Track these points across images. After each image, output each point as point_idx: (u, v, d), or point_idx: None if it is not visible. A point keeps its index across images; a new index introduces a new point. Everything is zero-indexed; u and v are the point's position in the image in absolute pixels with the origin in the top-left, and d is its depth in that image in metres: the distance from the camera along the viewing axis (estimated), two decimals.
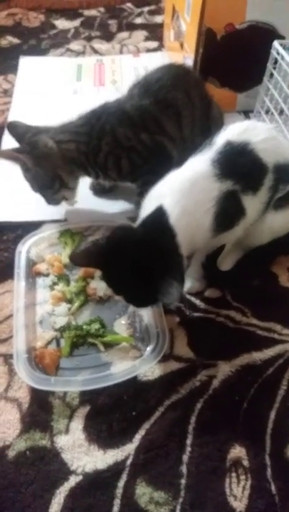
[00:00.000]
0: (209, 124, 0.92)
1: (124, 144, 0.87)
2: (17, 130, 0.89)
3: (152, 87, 0.88)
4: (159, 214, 0.70)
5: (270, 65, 1.05)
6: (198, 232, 0.72)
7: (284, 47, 1.01)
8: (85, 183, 0.98)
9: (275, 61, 1.03)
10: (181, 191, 0.71)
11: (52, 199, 0.92)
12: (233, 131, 0.76)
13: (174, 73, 0.90)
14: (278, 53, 1.01)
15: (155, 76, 0.90)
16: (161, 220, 0.69)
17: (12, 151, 0.86)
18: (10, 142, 0.91)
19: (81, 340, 0.77)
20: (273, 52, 1.03)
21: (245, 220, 0.76)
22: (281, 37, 1.09)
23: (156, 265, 0.66)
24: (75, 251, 0.72)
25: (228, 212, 0.72)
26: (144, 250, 0.68)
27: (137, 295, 0.71)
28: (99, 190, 1.02)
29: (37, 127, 0.89)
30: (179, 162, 0.76)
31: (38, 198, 0.93)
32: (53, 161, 0.86)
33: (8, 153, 0.88)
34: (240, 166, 0.73)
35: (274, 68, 1.05)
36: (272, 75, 1.06)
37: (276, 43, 1.02)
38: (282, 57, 1.00)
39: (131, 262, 0.68)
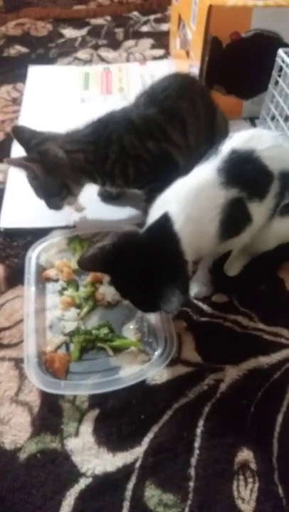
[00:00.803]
0: (214, 132, 0.93)
1: (130, 152, 0.88)
2: (22, 135, 0.89)
3: (158, 96, 0.89)
4: (164, 220, 0.71)
5: (275, 73, 1.07)
6: (203, 239, 0.73)
7: (288, 55, 1.03)
8: (93, 190, 1.00)
9: (280, 69, 1.04)
10: (187, 199, 0.72)
11: (56, 205, 0.93)
12: (239, 139, 0.77)
13: (179, 83, 0.91)
14: (283, 61, 1.03)
15: (161, 85, 0.91)
16: (165, 226, 0.71)
17: (22, 160, 0.87)
18: (20, 150, 0.92)
19: (90, 345, 0.78)
20: (278, 60, 1.04)
21: (251, 226, 0.77)
22: (286, 45, 1.10)
23: (160, 271, 0.68)
24: (82, 256, 0.74)
25: (234, 219, 0.73)
26: (148, 255, 0.69)
27: (142, 300, 0.73)
28: (106, 197, 1.04)
29: (43, 133, 0.90)
30: (185, 169, 0.77)
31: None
32: (62, 170, 0.87)
33: (18, 161, 0.89)
34: (246, 174, 0.74)
35: (279, 76, 1.06)
36: (277, 82, 1.07)
37: (281, 51, 1.03)
38: (287, 65, 1.01)
39: (136, 267, 0.69)
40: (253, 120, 1.25)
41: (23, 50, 1.62)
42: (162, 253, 0.69)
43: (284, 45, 1.10)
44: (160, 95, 0.89)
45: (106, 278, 0.86)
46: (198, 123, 0.92)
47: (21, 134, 0.90)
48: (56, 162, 0.86)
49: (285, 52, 1.03)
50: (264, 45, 1.11)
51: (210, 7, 1.06)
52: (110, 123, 0.90)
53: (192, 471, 0.65)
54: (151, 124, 0.89)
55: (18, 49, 1.62)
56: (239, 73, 1.17)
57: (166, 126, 0.89)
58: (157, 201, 0.75)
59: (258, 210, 0.76)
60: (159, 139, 0.89)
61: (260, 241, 0.83)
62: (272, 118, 1.12)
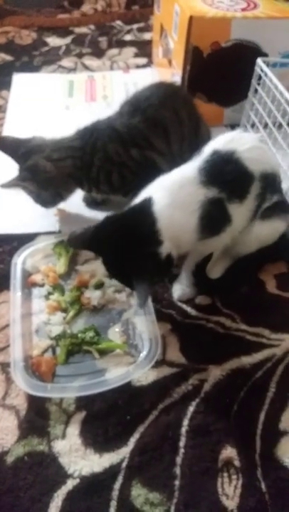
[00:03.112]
0: (198, 140, 0.95)
1: (115, 159, 0.90)
2: (7, 146, 0.92)
3: (141, 105, 0.91)
4: (146, 202, 0.74)
5: (254, 81, 1.10)
6: (184, 232, 0.74)
7: (267, 64, 1.06)
8: (78, 195, 1.01)
9: (259, 77, 1.08)
10: (170, 191, 0.74)
11: (51, 207, 0.98)
12: (221, 140, 0.79)
13: (162, 92, 0.93)
14: (262, 70, 1.06)
15: (144, 94, 0.93)
16: (144, 206, 0.73)
17: (16, 181, 0.90)
18: (5, 158, 0.93)
19: (76, 348, 0.79)
20: (257, 69, 1.08)
21: (231, 227, 0.78)
22: (264, 54, 1.14)
23: (132, 249, 0.71)
24: (71, 234, 0.77)
25: (213, 218, 0.75)
26: (123, 233, 0.72)
27: (124, 277, 0.75)
28: (91, 203, 1.05)
29: (29, 140, 0.93)
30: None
31: (32, 211, 0.97)
32: (53, 182, 0.91)
33: (12, 184, 0.90)
34: (226, 174, 0.75)
35: (258, 84, 1.09)
36: (256, 90, 1.10)
37: (260, 61, 1.07)
38: (266, 74, 1.04)
39: (113, 244, 0.72)
40: (234, 127, 1.27)
41: (8, 58, 1.63)
42: (136, 231, 0.72)
43: (263, 54, 1.13)
44: (143, 104, 0.91)
45: (91, 282, 0.88)
46: (182, 132, 0.93)
47: (6, 145, 0.92)
48: (46, 176, 0.89)
49: (264, 62, 1.06)
50: (243, 54, 1.14)
51: (191, 18, 1.09)
52: (95, 131, 0.92)
53: (177, 470, 0.66)
54: (134, 132, 0.90)
55: (3, 57, 1.63)
56: (220, 82, 1.20)
57: (150, 134, 0.91)
58: (141, 193, 0.77)
59: (238, 211, 0.78)
60: (143, 147, 0.91)
61: (241, 244, 0.85)
62: (252, 125, 1.15)
